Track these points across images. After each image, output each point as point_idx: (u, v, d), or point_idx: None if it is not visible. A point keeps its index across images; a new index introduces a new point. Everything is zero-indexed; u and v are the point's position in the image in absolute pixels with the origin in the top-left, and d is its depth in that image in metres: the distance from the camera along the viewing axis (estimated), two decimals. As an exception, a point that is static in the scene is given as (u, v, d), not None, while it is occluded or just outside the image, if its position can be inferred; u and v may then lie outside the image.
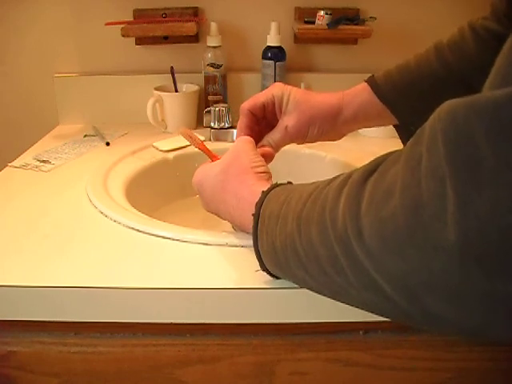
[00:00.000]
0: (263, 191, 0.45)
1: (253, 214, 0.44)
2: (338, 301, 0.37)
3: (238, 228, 0.54)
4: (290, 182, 0.46)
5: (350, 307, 0.46)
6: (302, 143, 0.62)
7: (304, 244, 0.36)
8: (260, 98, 0.60)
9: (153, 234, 0.54)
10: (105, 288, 0.46)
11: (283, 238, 0.38)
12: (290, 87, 0.60)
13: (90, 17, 0.93)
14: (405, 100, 0.57)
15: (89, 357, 0.50)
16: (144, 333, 0.50)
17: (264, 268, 0.44)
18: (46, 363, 0.50)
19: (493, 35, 0.53)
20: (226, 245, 0.52)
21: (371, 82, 0.59)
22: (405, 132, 0.60)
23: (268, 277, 0.46)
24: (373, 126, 0.63)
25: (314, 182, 0.39)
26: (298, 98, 0.59)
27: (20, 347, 0.50)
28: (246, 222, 0.47)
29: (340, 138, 0.63)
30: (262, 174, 0.51)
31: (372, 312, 0.34)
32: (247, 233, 0.50)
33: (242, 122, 0.61)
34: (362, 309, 0.35)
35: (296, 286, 0.45)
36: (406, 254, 0.27)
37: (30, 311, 0.47)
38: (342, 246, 0.31)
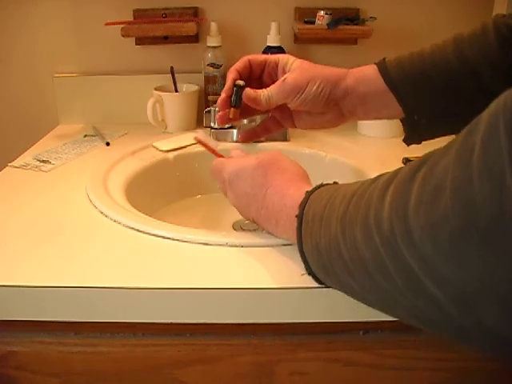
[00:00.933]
0: (307, 191, 0.44)
1: (296, 216, 0.43)
2: (385, 311, 0.35)
3: (267, 229, 0.52)
4: (335, 182, 0.45)
5: (350, 307, 0.46)
6: (298, 106, 0.57)
7: (349, 247, 0.34)
8: (264, 55, 0.60)
9: (153, 234, 0.54)
10: (105, 288, 0.46)
11: (327, 241, 0.37)
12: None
13: (90, 17, 0.93)
14: (410, 85, 0.54)
15: (89, 357, 0.50)
16: (144, 333, 0.50)
17: (310, 271, 0.43)
18: (46, 363, 0.50)
19: None
20: (226, 245, 0.52)
21: (380, 62, 0.56)
22: (408, 121, 0.57)
23: (267, 277, 0.47)
24: (374, 114, 0.59)
25: (358, 181, 0.38)
26: (302, 62, 0.57)
27: (20, 347, 0.50)
28: (288, 223, 0.46)
29: (337, 123, 0.59)
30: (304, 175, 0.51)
31: (423, 325, 0.32)
32: (279, 236, 0.50)
33: (235, 65, 0.59)
34: (411, 322, 0.33)
35: (296, 286, 0.45)
36: (464, 260, 0.25)
37: (30, 311, 0.47)
38: (388, 250, 0.30)
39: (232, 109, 0.58)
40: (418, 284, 0.28)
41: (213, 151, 0.60)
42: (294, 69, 0.57)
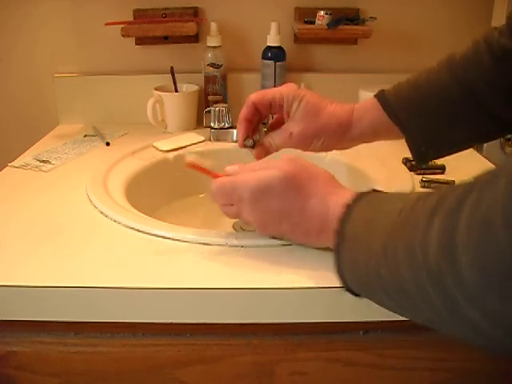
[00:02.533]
0: (347, 205, 0.42)
1: (337, 231, 0.42)
2: (427, 324, 0.35)
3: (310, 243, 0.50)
4: (374, 190, 0.44)
5: (350, 307, 0.46)
6: (304, 151, 0.59)
7: (390, 267, 0.34)
8: (268, 94, 0.58)
9: (153, 234, 0.54)
10: (105, 288, 0.46)
11: (367, 260, 0.37)
12: (303, 92, 0.56)
13: (90, 17, 0.93)
14: (415, 120, 0.55)
15: (89, 357, 0.50)
16: (144, 333, 0.50)
17: (347, 288, 0.42)
18: (46, 363, 0.50)
19: (507, 54, 0.51)
20: (226, 245, 0.52)
21: (382, 99, 0.56)
22: (416, 152, 0.57)
23: (267, 277, 0.46)
24: (380, 140, 0.60)
25: (401, 196, 0.37)
26: (308, 107, 0.56)
27: (20, 347, 0.50)
28: (332, 233, 0.44)
29: (344, 149, 0.61)
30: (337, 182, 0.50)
31: (460, 339, 0.33)
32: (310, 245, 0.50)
33: (243, 112, 0.59)
34: (456, 336, 0.33)
35: (296, 286, 0.45)
36: (509, 295, 0.25)
37: (30, 311, 0.47)
38: (433, 280, 0.30)
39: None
40: (459, 310, 0.29)
41: (208, 173, 0.53)
42: (299, 120, 0.56)
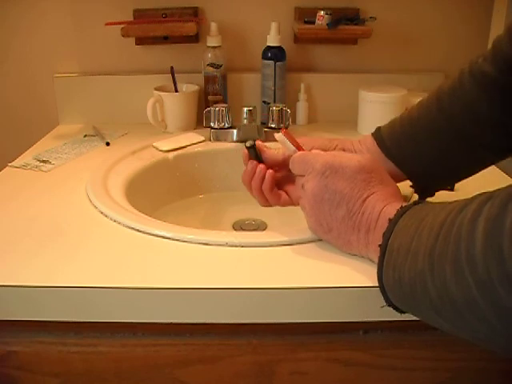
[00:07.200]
0: (390, 219, 0.42)
1: (379, 245, 0.41)
2: (478, 344, 0.35)
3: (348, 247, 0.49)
4: (416, 202, 0.43)
5: (350, 307, 0.46)
6: None
7: (437, 284, 0.33)
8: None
9: (153, 234, 0.54)
10: (105, 288, 0.46)
11: (412, 275, 0.36)
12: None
13: (90, 17, 0.93)
14: (408, 154, 0.56)
15: (89, 357, 0.50)
16: (144, 333, 0.50)
17: (390, 303, 0.42)
18: (46, 363, 0.50)
19: (489, 81, 0.51)
20: (226, 245, 0.52)
21: (377, 136, 0.58)
22: (417, 185, 0.58)
23: (267, 277, 0.47)
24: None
25: (444, 206, 0.37)
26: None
27: (20, 347, 0.50)
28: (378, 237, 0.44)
29: None
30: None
31: None
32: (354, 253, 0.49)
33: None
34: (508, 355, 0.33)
35: (296, 286, 0.45)
36: None
37: (30, 311, 0.47)
38: (483, 291, 0.29)
39: (259, 165, 0.57)
40: None
41: (298, 146, 0.55)
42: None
